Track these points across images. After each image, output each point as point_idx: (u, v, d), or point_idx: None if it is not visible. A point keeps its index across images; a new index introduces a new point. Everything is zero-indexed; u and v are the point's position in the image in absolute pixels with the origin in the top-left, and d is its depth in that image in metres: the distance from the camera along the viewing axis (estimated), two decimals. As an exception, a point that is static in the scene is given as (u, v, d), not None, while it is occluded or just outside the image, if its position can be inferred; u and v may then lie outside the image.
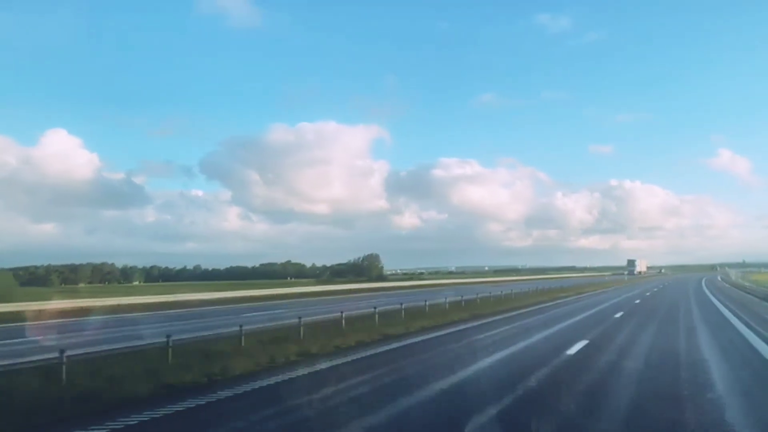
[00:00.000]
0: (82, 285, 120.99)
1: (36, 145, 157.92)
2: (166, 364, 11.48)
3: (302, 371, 11.20)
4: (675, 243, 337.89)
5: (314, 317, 20.51)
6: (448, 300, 29.55)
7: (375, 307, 21.77)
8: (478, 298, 34.19)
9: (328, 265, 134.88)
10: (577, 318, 24.30)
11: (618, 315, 25.15)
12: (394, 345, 15.33)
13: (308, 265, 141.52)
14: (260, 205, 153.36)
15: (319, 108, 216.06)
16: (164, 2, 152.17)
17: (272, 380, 10.38)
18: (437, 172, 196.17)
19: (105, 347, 13.12)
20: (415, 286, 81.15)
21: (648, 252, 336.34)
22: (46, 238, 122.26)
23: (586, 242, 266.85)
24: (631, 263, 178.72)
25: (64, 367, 9.83)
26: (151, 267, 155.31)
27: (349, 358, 12.93)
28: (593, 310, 28.78)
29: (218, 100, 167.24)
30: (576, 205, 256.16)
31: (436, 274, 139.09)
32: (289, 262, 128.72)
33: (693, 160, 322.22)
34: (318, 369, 11.50)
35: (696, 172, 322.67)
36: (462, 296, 33.66)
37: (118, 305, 38.39)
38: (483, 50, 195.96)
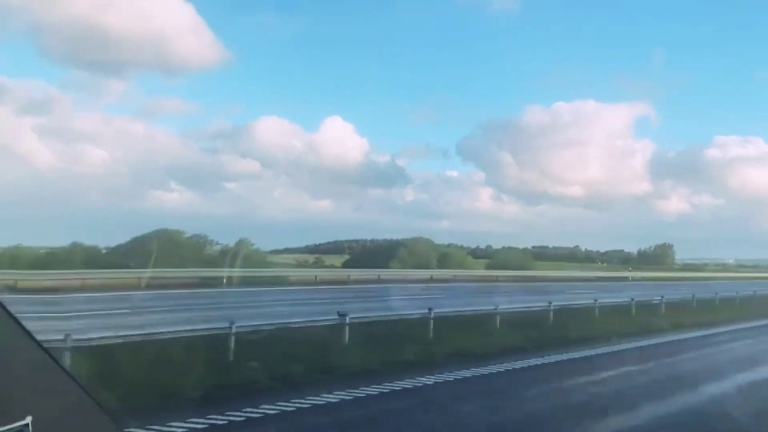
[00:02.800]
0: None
1: (317, 131, 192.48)
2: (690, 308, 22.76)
3: None
4: None
5: None
6: None
7: None
8: None
9: (602, 251, 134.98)
10: None
11: None
12: None
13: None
14: (512, 187, 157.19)
15: (576, 88, 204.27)
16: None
17: None
18: (712, 152, 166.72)
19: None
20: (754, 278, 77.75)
21: None
22: (322, 213, 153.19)
23: None
24: None
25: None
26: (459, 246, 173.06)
27: None
28: None
29: (476, 85, 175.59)
30: None
31: (724, 265, 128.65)
32: (577, 247, 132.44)
33: None
34: None
35: None
36: None
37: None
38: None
